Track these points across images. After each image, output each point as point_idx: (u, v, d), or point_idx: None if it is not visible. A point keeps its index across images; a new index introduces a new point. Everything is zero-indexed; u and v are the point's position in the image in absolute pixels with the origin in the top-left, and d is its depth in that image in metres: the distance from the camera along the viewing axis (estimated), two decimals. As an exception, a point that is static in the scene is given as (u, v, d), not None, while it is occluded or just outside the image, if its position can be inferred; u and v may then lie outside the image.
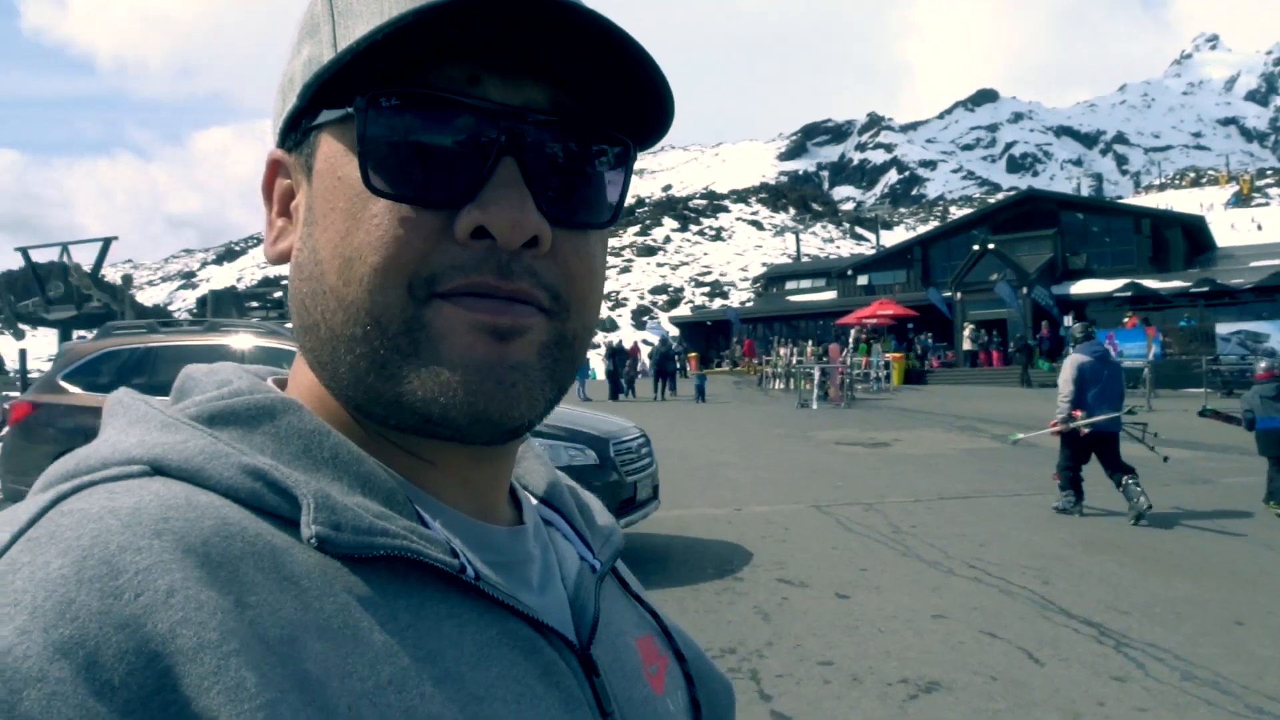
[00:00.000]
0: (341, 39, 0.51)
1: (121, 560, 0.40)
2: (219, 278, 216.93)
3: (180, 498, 0.44)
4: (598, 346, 35.13)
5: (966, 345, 35.02)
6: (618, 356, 28.79)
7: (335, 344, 0.51)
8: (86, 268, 33.35)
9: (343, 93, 0.50)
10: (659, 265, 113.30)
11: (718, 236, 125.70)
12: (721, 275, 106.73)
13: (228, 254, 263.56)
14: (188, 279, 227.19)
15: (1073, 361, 9.01)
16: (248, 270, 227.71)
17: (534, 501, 0.65)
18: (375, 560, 0.47)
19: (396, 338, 0.49)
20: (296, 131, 0.54)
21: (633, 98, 0.53)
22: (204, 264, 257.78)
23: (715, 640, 5.21)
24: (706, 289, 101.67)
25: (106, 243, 32.18)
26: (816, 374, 24.69)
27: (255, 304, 34.98)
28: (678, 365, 33.11)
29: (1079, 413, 8.82)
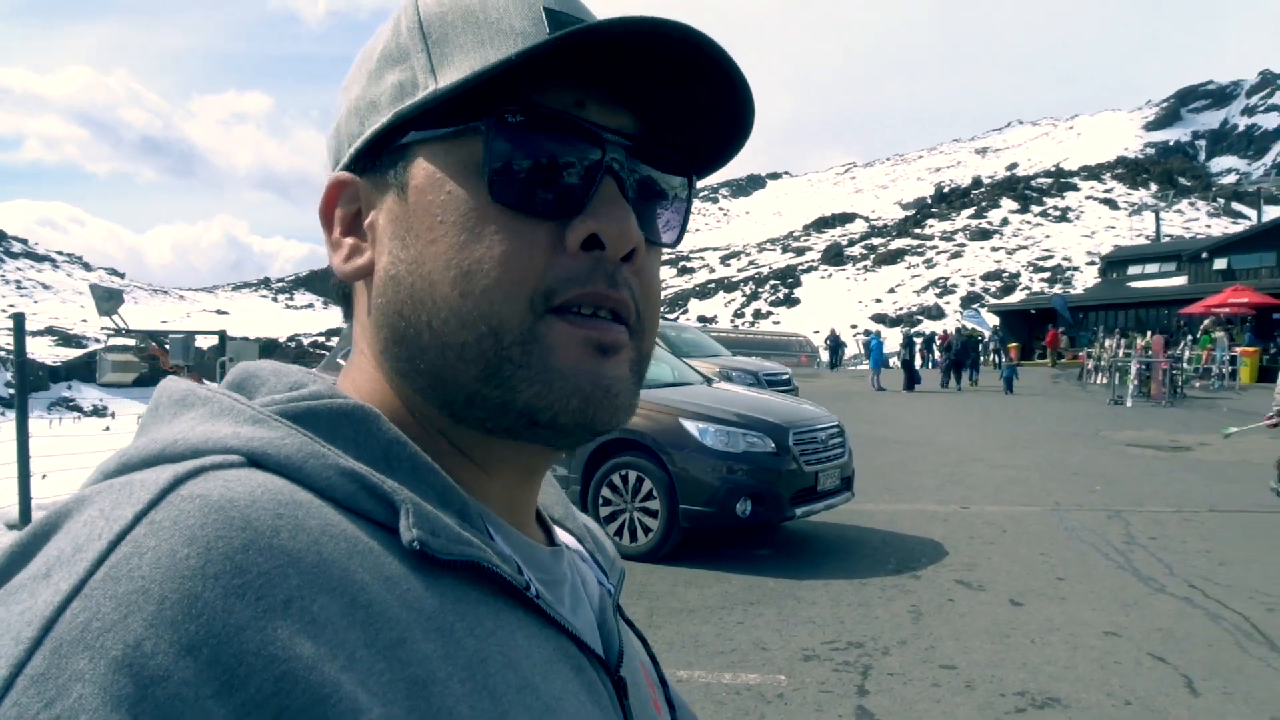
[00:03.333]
0: (440, 65, 0.54)
1: (246, 560, 0.40)
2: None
3: (286, 494, 0.45)
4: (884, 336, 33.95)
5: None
6: (911, 346, 27.83)
7: (442, 350, 0.54)
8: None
9: (449, 114, 0.54)
10: (994, 250, 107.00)
11: (1063, 217, 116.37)
12: (1065, 259, 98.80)
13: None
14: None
15: None
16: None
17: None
18: (457, 569, 0.49)
19: (510, 348, 0.52)
20: (378, 153, 0.57)
21: (706, 130, 0.60)
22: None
23: (848, 634, 5.22)
24: (1046, 274, 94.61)
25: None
26: (1134, 367, 22.43)
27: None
28: (980, 355, 31.33)
29: None
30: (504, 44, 0.54)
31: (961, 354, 28.03)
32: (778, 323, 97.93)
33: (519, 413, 0.54)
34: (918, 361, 29.52)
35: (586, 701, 0.53)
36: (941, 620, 5.50)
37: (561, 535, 0.68)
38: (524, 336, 0.53)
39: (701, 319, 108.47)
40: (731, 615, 5.54)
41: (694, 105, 0.58)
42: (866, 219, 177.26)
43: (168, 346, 11.54)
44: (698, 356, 15.22)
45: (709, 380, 8.60)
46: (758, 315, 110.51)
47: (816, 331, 50.71)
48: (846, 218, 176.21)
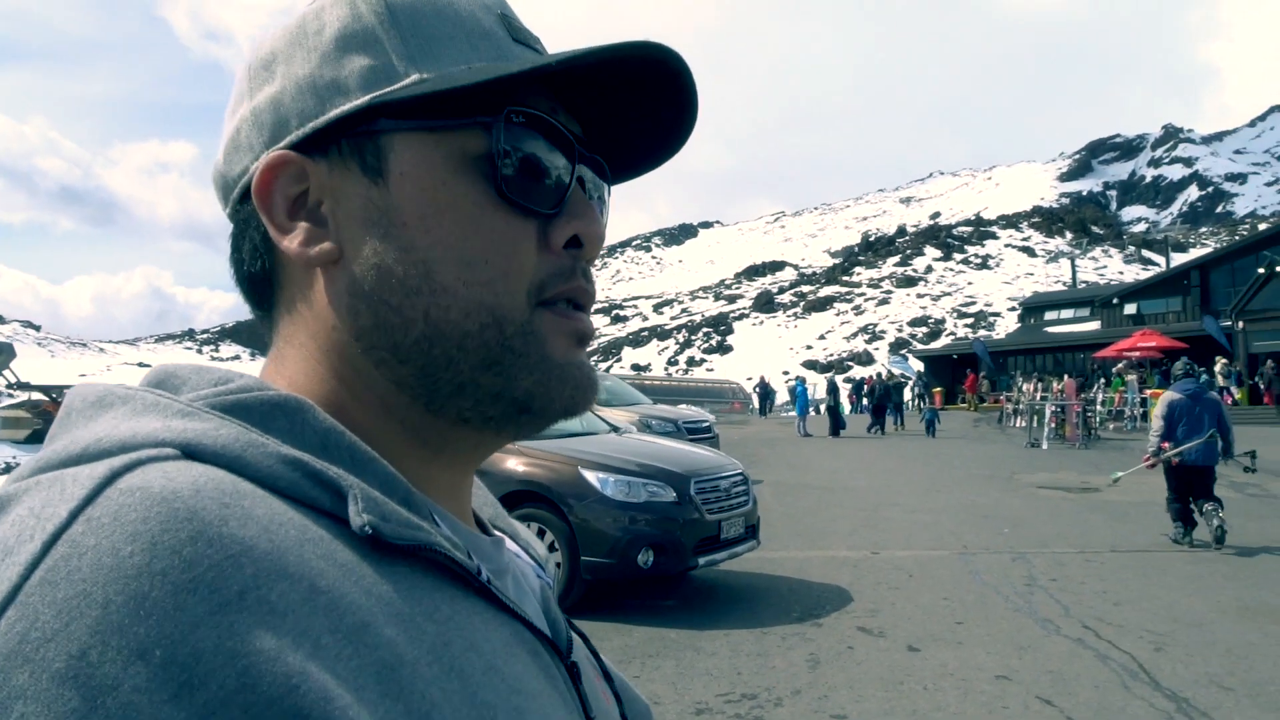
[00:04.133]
0: (422, 56, 0.55)
1: (195, 553, 0.38)
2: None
3: (228, 483, 0.43)
4: (802, 383, 34.59)
5: (1221, 381, 31.10)
6: (835, 392, 28.21)
7: (438, 339, 0.53)
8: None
9: (443, 107, 0.54)
10: (919, 296, 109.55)
11: (984, 264, 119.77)
12: (987, 305, 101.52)
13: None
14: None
15: (1165, 399, 9.87)
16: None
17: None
18: (409, 556, 0.47)
19: (512, 338, 0.54)
20: (336, 136, 0.55)
21: (650, 135, 0.63)
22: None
23: (743, 685, 5.16)
24: (970, 320, 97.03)
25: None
26: (1048, 410, 23.01)
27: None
28: (902, 400, 31.88)
29: (1167, 445, 9.56)
30: (488, 47, 0.56)
31: (884, 398, 28.46)
32: (711, 370, 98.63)
33: (512, 400, 0.55)
34: (846, 407, 29.89)
35: (545, 684, 0.52)
36: (838, 668, 5.48)
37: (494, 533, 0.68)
38: (523, 328, 0.54)
39: (635, 366, 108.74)
40: (629, 669, 5.44)
41: (651, 116, 0.61)
42: (796, 267, 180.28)
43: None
44: (618, 405, 15.20)
45: (616, 429, 8.56)
46: (691, 363, 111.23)
47: (749, 378, 51.29)
48: (777, 265, 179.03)
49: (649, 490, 6.69)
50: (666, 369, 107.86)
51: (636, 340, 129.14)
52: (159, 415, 0.47)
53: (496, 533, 0.67)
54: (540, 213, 0.55)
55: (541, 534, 6.67)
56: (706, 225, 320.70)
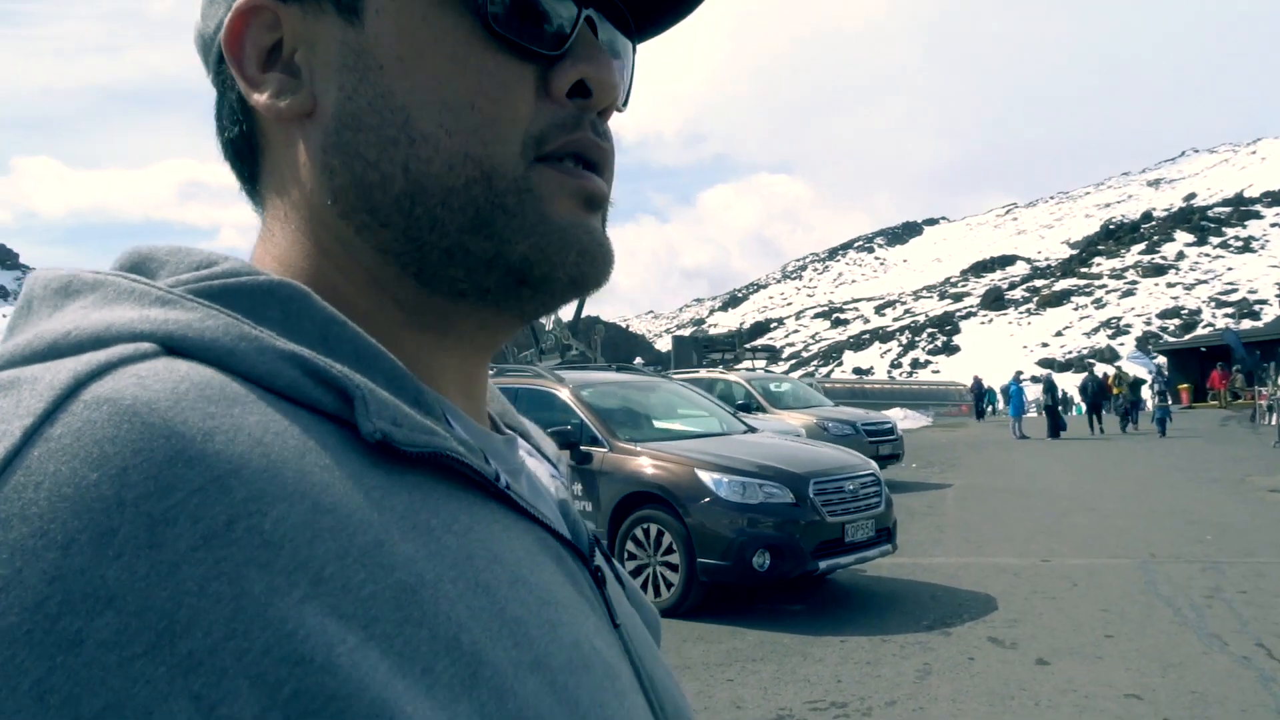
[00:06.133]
0: None
1: (173, 476, 0.32)
2: (724, 322, 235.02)
3: (216, 385, 0.37)
4: (1036, 380, 32.72)
5: None
6: (1053, 391, 26.37)
7: (420, 196, 0.47)
8: (567, 320, 38.55)
9: None
10: (1169, 286, 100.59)
11: (1246, 248, 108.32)
12: (1250, 292, 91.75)
13: (732, 300, 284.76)
14: (698, 325, 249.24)
15: None
16: (749, 314, 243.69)
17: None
18: (421, 463, 0.42)
19: (504, 195, 0.48)
20: None
21: None
22: (712, 310, 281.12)
23: (838, 694, 4.94)
24: (1229, 309, 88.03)
25: (581, 299, 37.09)
26: (1302, 406, 20.46)
27: (715, 352, 37.63)
28: (1138, 398, 29.31)
29: None
30: None
31: (1098, 396, 26.31)
32: (937, 372, 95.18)
33: (509, 268, 0.49)
34: (1079, 407, 27.78)
35: (572, 591, 0.48)
36: (948, 680, 5.13)
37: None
38: (517, 184, 0.48)
39: (857, 370, 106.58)
40: (725, 672, 5.34)
41: None
42: (1029, 260, 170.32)
43: None
44: (796, 408, 14.97)
45: (752, 429, 8.42)
46: (915, 365, 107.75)
47: (980, 379, 49.08)
48: (1007, 260, 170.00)
49: (765, 491, 6.53)
50: (889, 372, 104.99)
51: (858, 343, 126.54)
52: (135, 303, 0.40)
53: (508, 430, 0.62)
54: (539, 53, 0.49)
55: (660, 535, 6.67)
56: (932, 222, 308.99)
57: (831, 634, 6.07)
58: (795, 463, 6.88)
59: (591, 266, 0.50)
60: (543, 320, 39.66)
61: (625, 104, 0.57)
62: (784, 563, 6.43)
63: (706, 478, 6.59)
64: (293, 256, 0.51)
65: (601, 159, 0.52)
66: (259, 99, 0.50)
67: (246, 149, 0.53)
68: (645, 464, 6.87)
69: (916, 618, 6.44)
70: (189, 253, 0.46)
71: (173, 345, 0.38)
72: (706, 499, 6.52)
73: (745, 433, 8.13)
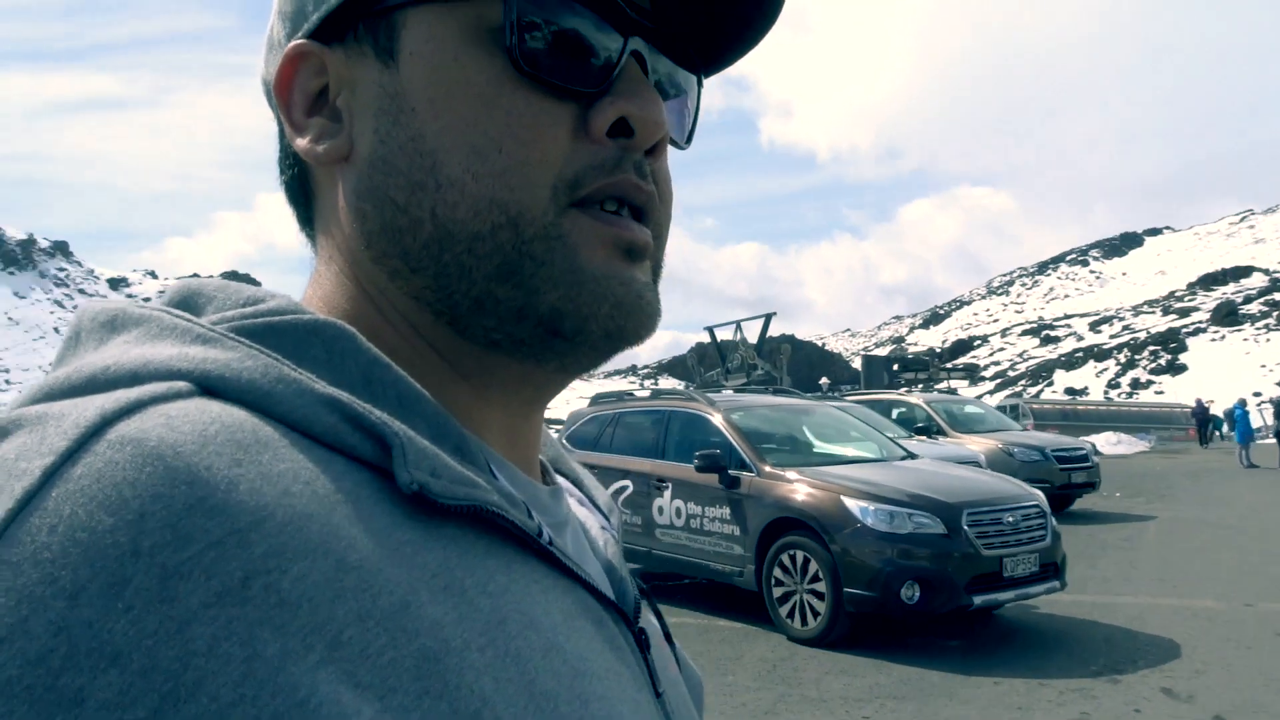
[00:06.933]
0: None
1: (191, 526, 0.31)
2: (924, 340, 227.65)
3: (248, 429, 0.35)
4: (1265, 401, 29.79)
5: None
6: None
7: (447, 243, 0.46)
8: (753, 341, 38.40)
9: None
10: None
11: None
12: None
13: (933, 317, 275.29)
14: (897, 343, 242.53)
15: None
16: (951, 332, 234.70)
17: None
18: (459, 516, 0.40)
19: (532, 242, 0.46)
20: (353, 19, 0.49)
21: (722, 23, 0.54)
22: (911, 328, 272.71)
23: (978, 737, 4.65)
24: None
25: (767, 319, 37.24)
26: None
27: (908, 372, 36.51)
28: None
29: None
30: None
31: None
32: (1161, 393, 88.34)
33: (539, 319, 0.47)
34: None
35: (612, 659, 0.46)
36: (1106, 732, 4.73)
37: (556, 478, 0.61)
38: (546, 231, 0.46)
39: (1070, 391, 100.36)
40: (863, 709, 5.15)
41: None
42: (1267, 272, 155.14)
43: None
44: (980, 431, 14.32)
45: (912, 455, 8.10)
46: (1136, 385, 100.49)
47: (1212, 401, 45.01)
48: (1242, 272, 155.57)
49: (915, 521, 6.27)
50: (1106, 393, 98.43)
51: (1070, 362, 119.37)
52: (175, 340, 0.40)
53: (558, 479, 0.60)
54: (576, 91, 0.47)
55: (806, 563, 6.53)
56: (1154, 232, 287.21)
57: (984, 674, 5.74)
58: (948, 492, 6.56)
59: (628, 320, 0.48)
60: (731, 338, 39.67)
61: (689, 141, 0.56)
62: (935, 596, 6.14)
63: (853, 505, 6.40)
64: (337, 298, 0.51)
65: (646, 203, 0.49)
66: (300, 143, 0.50)
67: (300, 192, 0.54)
68: (792, 489, 6.74)
69: (1084, 661, 5.99)
70: (237, 289, 0.45)
71: (209, 385, 0.38)
72: (853, 527, 6.32)
73: (903, 459, 7.84)
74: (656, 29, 0.51)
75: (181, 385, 0.37)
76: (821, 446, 7.99)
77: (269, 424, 0.37)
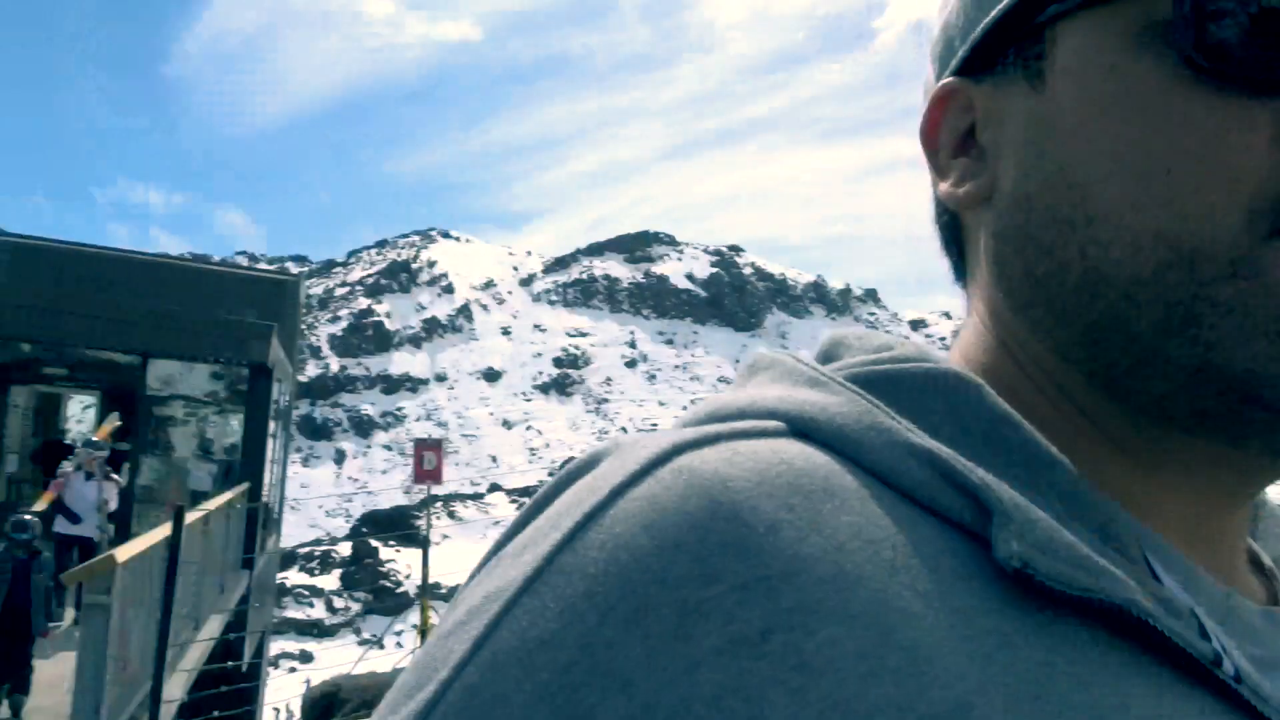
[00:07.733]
0: None
1: (719, 564, 0.30)
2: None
3: (819, 475, 0.33)
4: None
5: None
6: None
7: (1101, 288, 0.38)
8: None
9: None
10: None
11: None
12: None
13: None
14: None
15: None
16: None
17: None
18: (1084, 614, 0.32)
19: (1213, 284, 0.36)
20: (1003, 47, 0.43)
21: None
22: None
23: None
24: None
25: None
26: None
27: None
28: None
29: None
30: None
31: None
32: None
33: (1227, 384, 0.37)
34: None
35: None
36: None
37: None
38: (1236, 265, 0.36)
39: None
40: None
41: None
42: None
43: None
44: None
45: None
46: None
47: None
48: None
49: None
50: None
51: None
52: (788, 383, 0.40)
53: None
54: (1267, 89, 0.36)
55: None
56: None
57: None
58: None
59: None
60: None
61: None
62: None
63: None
64: (974, 351, 0.46)
65: None
66: (943, 187, 0.47)
67: (953, 242, 0.50)
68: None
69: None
70: (874, 338, 0.45)
71: (801, 426, 0.36)
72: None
73: None
74: None
75: (772, 424, 0.36)
76: None
77: (855, 473, 0.34)
